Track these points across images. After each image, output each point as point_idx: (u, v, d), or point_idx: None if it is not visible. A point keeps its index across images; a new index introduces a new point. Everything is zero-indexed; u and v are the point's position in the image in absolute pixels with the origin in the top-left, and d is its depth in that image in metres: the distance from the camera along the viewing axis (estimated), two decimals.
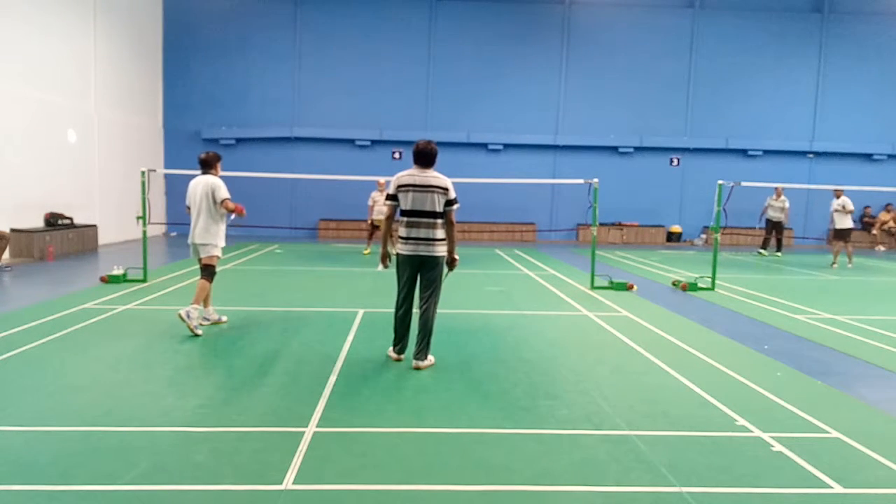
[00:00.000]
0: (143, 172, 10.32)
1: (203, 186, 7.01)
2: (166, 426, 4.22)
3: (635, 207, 21.22)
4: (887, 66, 21.26)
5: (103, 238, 15.48)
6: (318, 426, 4.24)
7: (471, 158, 20.74)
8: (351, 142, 20.77)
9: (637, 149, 21.31)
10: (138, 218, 10.35)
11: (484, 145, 21.06)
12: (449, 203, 5.61)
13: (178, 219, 19.56)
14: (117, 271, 9.99)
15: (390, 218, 5.77)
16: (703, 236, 21.02)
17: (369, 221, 14.89)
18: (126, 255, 13.75)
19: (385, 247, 5.88)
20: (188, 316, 6.56)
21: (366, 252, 14.93)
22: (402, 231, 5.63)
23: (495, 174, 19.55)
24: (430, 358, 5.73)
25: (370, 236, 14.97)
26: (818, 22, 21.17)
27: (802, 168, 21.42)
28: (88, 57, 15.79)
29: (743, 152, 21.43)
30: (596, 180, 10.37)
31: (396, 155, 20.86)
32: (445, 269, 5.79)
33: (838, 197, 14.93)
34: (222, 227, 7.11)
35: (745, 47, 21.12)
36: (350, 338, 6.73)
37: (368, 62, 20.69)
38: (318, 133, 20.57)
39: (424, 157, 5.62)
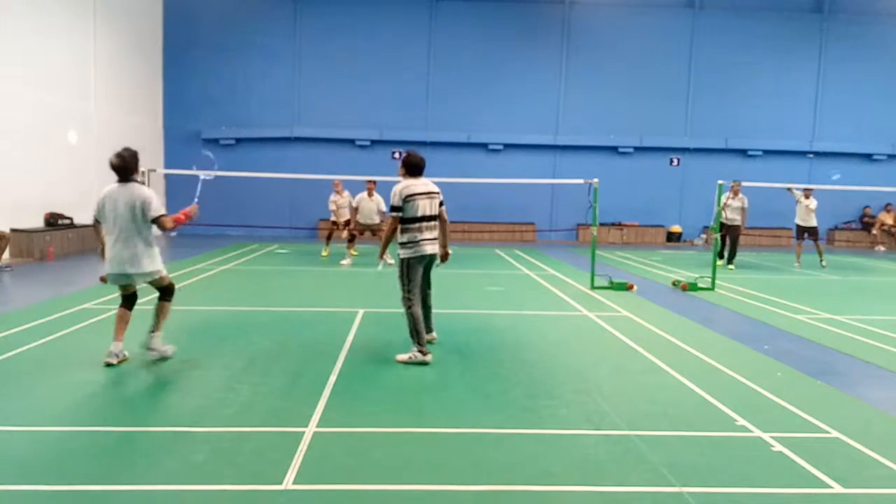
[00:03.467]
0: (143, 172, 10.31)
1: (127, 200, 5.43)
2: (166, 426, 4.23)
3: (635, 207, 21.23)
4: (887, 66, 21.26)
5: None
6: (318, 426, 4.24)
7: (471, 158, 20.75)
8: (351, 142, 20.78)
9: (637, 149, 21.32)
10: None
11: (484, 145, 21.06)
12: (440, 204, 6.25)
13: None
14: None
15: (395, 229, 6.07)
16: (703, 236, 21.01)
17: (342, 223, 14.07)
18: None
19: (385, 247, 6.57)
20: (154, 348, 5.62)
21: (354, 253, 13.80)
22: (409, 236, 5.97)
23: (495, 174, 19.54)
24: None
25: (330, 236, 14.38)
26: (818, 22, 21.18)
27: (802, 168, 21.42)
28: (88, 57, 15.79)
29: (743, 152, 21.43)
30: (596, 180, 10.37)
31: (396, 155, 20.83)
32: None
33: (807, 197, 14.45)
34: (157, 248, 5.75)
35: (745, 47, 21.13)
36: (350, 338, 6.73)
37: (368, 62, 20.69)
38: (318, 133, 20.58)
39: (419, 169, 6.16)
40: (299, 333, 6.94)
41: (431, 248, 6.08)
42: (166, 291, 5.84)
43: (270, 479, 3.45)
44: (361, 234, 13.75)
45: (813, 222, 14.34)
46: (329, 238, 14.51)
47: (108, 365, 5.41)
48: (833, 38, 21.15)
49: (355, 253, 14.06)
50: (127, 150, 5.63)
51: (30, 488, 3.35)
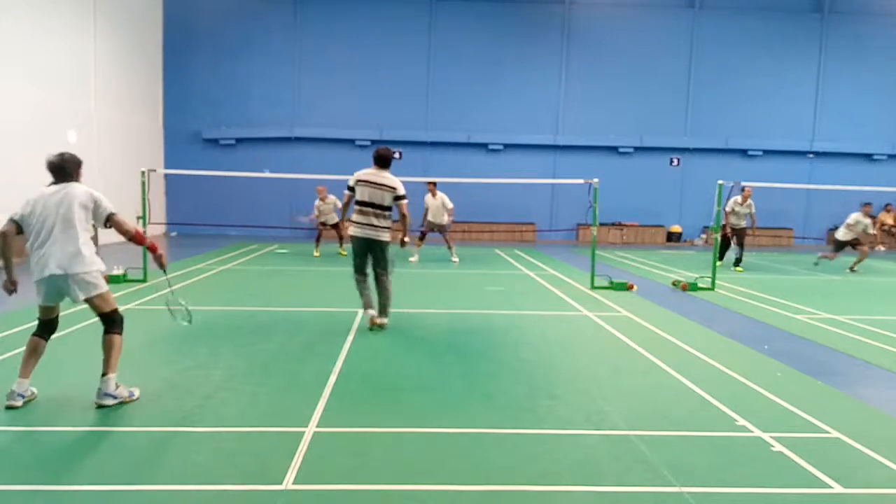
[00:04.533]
0: (143, 172, 10.34)
1: (66, 198, 4.62)
2: (166, 426, 4.22)
3: (635, 207, 21.23)
4: (887, 66, 21.27)
5: (103, 238, 15.37)
6: (318, 426, 4.24)
7: (471, 158, 20.76)
8: (351, 142, 20.78)
9: (637, 149, 21.33)
10: (138, 218, 10.36)
11: (484, 145, 21.07)
12: (397, 198, 6.93)
13: (179, 219, 19.58)
14: (117, 271, 9.99)
15: (347, 205, 7.08)
16: (703, 236, 21.02)
17: (320, 222, 14.38)
18: (126, 255, 13.73)
19: (340, 223, 7.32)
20: (109, 393, 4.50)
21: (316, 255, 14.32)
22: (355, 217, 6.98)
23: (495, 174, 19.57)
24: (387, 319, 7.12)
25: (319, 238, 14.55)
26: (818, 22, 21.18)
27: (802, 168, 21.44)
28: (88, 57, 15.79)
29: (743, 152, 21.44)
30: (596, 180, 10.37)
31: (396, 155, 20.83)
32: (395, 248, 7.14)
33: (867, 215, 14.07)
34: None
35: (745, 47, 21.14)
36: (350, 338, 6.73)
37: (368, 62, 20.70)
38: (319, 133, 20.58)
39: (383, 160, 6.97)
40: (299, 333, 6.94)
41: (368, 232, 6.89)
42: (111, 321, 4.68)
43: (270, 479, 3.45)
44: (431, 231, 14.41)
45: (854, 234, 14.13)
46: (318, 239, 14.62)
47: (11, 408, 4.40)
48: (833, 38, 21.16)
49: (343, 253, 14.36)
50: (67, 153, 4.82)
51: (30, 488, 3.35)
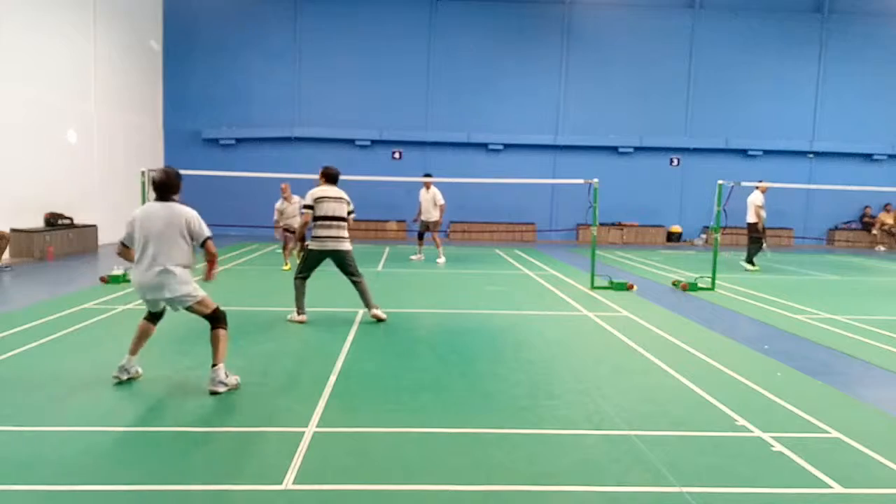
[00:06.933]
0: (143, 172, 10.34)
1: (170, 217, 5.00)
2: (166, 426, 4.23)
3: (635, 207, 21.22)
4: (887, 66, 21.25)
5: (103, 238, 15.46)
6: (318, 426, 4.24)
7: (471, 158, 20.75)
8: (351, 142, 20.77)
9: (637, 149, 21.31)
10: None
11: (484, 145, 21.05)
12: (350, 212, 7.59)
13: None
14: (117, 271, 9.99)
15: (307, 223, 7.56)
16: (703, 236, 21.02)
17: (282, 227, 12.70)
18: None
19: (302, 241, 7.75)
20: (220, 380, 4.92)
21: (286, 268, 12.34)
22: (319, 231, 7.43)
23: (495, 174, 19.54)
24: (381, 310, 7.64)
25: (287, 247, 12.66)
26: (818, 22, 21.17)
27: (802, 168, 21.43)
28: (88, 57, 15.79)
29: (743, 152, 21.43)
30: (596, 180, 10.37)
31: (396, 155, 20.85)
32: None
33: None
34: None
35: (745, 47, 21.12)
36: (350, 338, 6.73)
37: (368, 62, 20.69)
38: (319, 133, 20.56)
39: (333, 177, 7.63)
40: (299, 333, 6.94)
41: (333, 245, 7.40)
42: (214, 319, 5.13)
43: (270, 479, 3.45)
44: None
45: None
46: (286, 248, 12.67)
47: (117, 381, 4.99)
48: (833, 38, 21.15)
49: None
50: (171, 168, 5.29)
51: (30, 488, 3.35)
